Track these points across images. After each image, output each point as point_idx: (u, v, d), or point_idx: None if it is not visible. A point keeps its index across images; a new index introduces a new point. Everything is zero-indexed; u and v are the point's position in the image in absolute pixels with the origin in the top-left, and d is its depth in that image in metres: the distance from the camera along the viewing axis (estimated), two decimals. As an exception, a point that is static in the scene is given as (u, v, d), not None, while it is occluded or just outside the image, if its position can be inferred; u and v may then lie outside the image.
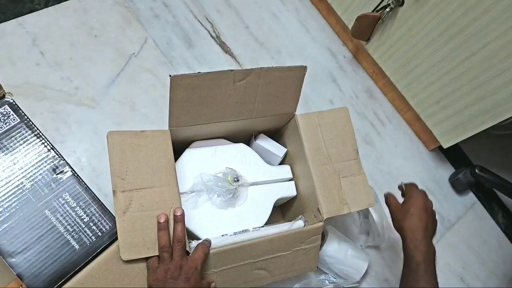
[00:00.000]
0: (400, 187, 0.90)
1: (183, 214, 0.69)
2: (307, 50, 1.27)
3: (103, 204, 0.74)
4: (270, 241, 0.76)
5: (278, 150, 0.94)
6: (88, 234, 0.71)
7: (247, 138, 0.97)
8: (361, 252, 0.96)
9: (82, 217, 0.71)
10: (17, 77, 0.93)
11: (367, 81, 1.30)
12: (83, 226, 0.71)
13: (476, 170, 1.21)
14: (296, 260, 0.80)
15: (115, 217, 0.66)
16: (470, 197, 1.27)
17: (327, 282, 0.93)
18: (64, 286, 0.64)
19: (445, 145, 1.18)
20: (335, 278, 0.93)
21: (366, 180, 0.86)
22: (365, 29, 1.17)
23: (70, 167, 0.74)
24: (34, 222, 0.69)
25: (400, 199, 0.86)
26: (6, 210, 0.68)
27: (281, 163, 0.96)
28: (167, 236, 0.66)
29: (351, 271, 0.93)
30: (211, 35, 1.17)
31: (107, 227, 0.73)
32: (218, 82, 0.76)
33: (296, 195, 0.90)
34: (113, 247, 0.66)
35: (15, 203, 0.69)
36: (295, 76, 0.83)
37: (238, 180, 0.81)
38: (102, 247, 0.71)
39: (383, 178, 1.18)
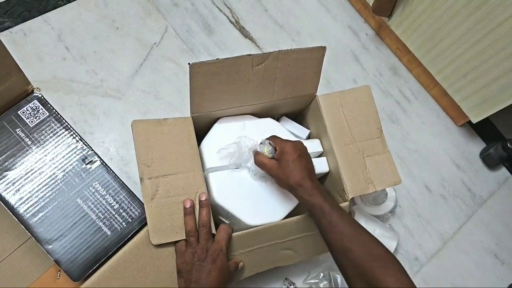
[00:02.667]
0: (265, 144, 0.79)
1: (207, 199, 0.71)
2: (327, 29, 1.26)
3: (132, 191, 0.76)
4: (295, 222, 0.77)
5: (301, 132, 0.94)
6: (118, 221, 0.73)
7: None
8: (390, 231, 0.95)
9: (112, 204, 0.74)
10: (45, 72, 0.97)
11: (391, 58, 1.27)
12: (114, 213, 0.74)
13: (508, 144, 1.17)
14: (321, 240, 0.81)
15: (143, 204, 0.69)
16: (503, 172, 1.24)
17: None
18: (98, 271, 0.66)
19: (474, 120, 1.15)
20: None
21: (391, 158, 0.85)
22: (386, 4, 1.14)
23: (99, 157, 0.77)
24: (68, 210, 0.72)
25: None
26: (41, 200, 0.71)
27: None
28: (193, 221, 0.68)
29: (379, 250, 0.93)
30: (230, 21, 1.17)
31: (136, 213, 0.75)
32: (237, 68, 0.76)
33: (328, 172, 0.86)
34: (142, 233, 0.69)
35: (49, 193, 0.72)
36: (314, 57, 0.83)
37: (274, 152, 0.74)
38: (133, 232, 0.74)
39: (411, 156, 1.16)
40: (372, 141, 0.86)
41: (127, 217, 0.74)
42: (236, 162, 0.77)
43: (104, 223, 0.72)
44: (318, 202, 0.66)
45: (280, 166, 0.71)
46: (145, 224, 0.70)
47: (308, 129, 0.94)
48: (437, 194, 1.13)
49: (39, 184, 0.72)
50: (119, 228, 0.73)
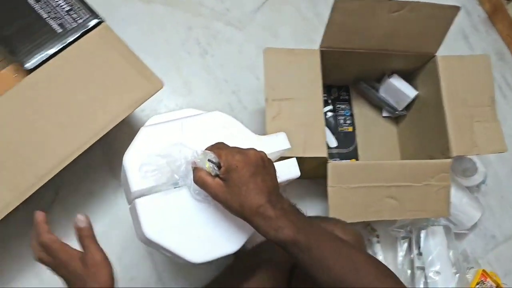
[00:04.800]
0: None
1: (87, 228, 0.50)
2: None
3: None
4: (401, 165, 0.81)
5: (410, 91, 0.97)
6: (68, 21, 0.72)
7: (377, 76, 1.01)
8: (476, 202, 0.98)
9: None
10: (178, -7, 1.04)
11: (499, 43, 1.27)
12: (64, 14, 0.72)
13: None
14: (426, 198, 0.83)
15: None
16: None
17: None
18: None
19: None
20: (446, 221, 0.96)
21: (500, 128, 0.87)
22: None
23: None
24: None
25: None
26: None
27: (409, 107, 0.99)
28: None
29: (463, 217, 0.95)
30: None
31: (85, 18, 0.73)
32: (374, 10, 0.80)
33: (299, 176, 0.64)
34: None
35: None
36: (446, 15, 0.85)
37: (219, 167, 0.51)
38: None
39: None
40: (483, 109, 0.88)
41: (78, 19, 0.73)
42: (170, 180, 0.55)
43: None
44: (289, 237, 0.48)
45: (228, 188, 0.50)
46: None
47: (417, 90, 0.97)
48: (524, 181, 1.13)
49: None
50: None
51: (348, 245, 0.52)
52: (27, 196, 0.63)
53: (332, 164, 0.78)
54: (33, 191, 0.63)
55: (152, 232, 0.52)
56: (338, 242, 0.52)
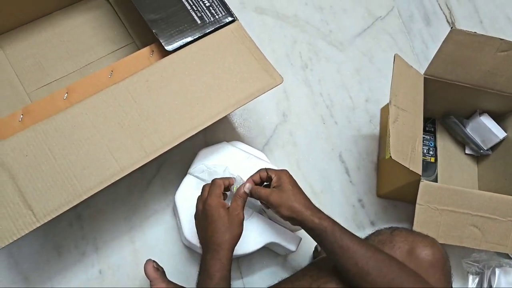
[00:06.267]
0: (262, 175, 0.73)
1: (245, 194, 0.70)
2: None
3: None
4: (490, 197, 0.83)
5: (499, 131, 0.99)
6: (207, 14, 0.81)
7: (467, 113, 1.05)
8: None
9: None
10: (290, 9, 1.13)
11: None
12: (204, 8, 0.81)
13: None
14: (509, 233, 0.84)
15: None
16: None
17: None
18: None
19: None
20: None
21: None
22: None
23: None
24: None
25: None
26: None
27: (494, 148, 1.01)
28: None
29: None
30: (447, 20, 1.25)
31: (221, 15, 0.82)
32: (484, 47, 0.85)
33: (293, 251, 0.82)
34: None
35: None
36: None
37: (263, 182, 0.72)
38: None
39: None
40: None
41: (215, 15, 0.82)
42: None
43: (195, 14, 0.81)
44: (328, 226, 0.62)
45: (281, 191, 0.66)
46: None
47: (506, 132, 0.99)
48: None
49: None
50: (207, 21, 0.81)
51: (370, 245, 0.62)
52: (140, 165, 0.69)
53: (424, 183, 0.81)
54: (146, 162, 0.69)
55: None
56: (361, 239, 0.63)
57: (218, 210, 0.64)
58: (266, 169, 0.71)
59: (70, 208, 0.63)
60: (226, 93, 0.77)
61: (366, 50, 1.14)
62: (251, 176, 0.70)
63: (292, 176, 0.70)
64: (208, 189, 0.68)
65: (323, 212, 0.65)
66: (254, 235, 0.78)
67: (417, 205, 0.81)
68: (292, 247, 0.80)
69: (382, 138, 1.04)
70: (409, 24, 1.21)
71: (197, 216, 0.70)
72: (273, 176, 0.69)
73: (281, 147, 0.99)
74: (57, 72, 0.93)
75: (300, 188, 0.69)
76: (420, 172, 0.80)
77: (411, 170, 0.79)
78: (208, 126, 0.73)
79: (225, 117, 0.86)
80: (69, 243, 0.84)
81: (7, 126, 0.73)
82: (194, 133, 0.72)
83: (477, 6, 1.29)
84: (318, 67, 1.09)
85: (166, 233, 0.88)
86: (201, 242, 0.69)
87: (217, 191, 0.67)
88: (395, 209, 0.99)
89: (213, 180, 0.69)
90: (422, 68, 0.96)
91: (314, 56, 1.10)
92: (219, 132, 0.97)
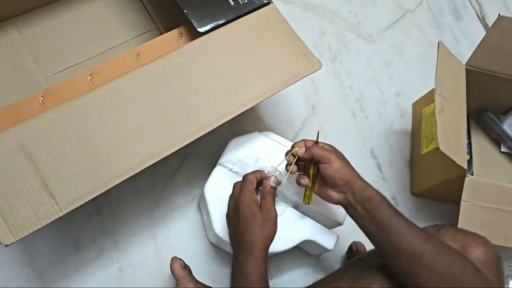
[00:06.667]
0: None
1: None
2: None
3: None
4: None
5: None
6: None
7: (504, 109, 1.00)
8: None
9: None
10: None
11: None
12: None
13: None
14: None
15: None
16: None
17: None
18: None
19: None
20: None
21: None
22: None
23: None
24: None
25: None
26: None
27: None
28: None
29: None
30: (477, 15, 1.21)
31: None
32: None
33: (330, 250, 0.74)
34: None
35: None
36: None
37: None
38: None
39: None
40: None
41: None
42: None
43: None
44: (386, 199, 0.59)
45: (337, 156, 0.61)
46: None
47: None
48: None
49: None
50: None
51: (424, 230, 0.57)
52: (171, 152, 0.63)
53: (470, 179, 0.76)
54: (178, 148, 0.63)
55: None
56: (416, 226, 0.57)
57: (251, 207, 0.60)
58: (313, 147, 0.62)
59: (90, 201, 0.57)
60: (262, 78, 0.71)
61: (396, 43, 1.09)
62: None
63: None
64: (240, 186, 0.63)
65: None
66: (288, 232, 0.73)
67: (462, 202, 0.76)
68: (329, 245, 0.74)
69: (415, 134, 0.98)
70: (439, 18, 1.16)
71: (228, 215, 0.65)
72: (324, 145, 0.65)
73: (311, 141, 0.94)
74: (75, 57, 0.87)
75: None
76: (466, 167, 0.75)
77: (456, 165, 0.73)
78: (234, 117, 0.67)
79: (252, 108, 0.80)
80: (87, 238, 0.78)
81: (26, 109, 0.68)
82: (229, 119, 0.67)
83: (507, 1, 1.25)
84: (347, 59, 1.04)
85: (190, 229, 0.82)
86: (232, 243, 0.64)
87: (249, 187, 0.62)
88: (430, 208, 0.94)
89: (245, 176, 0.64)
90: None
91: (343, 47, 1.05)
92: (245, 124, 0.92)
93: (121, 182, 0.59)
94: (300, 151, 0.63)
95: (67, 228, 0.78)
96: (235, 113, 0.68)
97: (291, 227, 0.73)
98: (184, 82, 0.68)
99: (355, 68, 1.04)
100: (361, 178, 0.61)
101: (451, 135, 0.75)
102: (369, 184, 0.61)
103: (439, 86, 0.76)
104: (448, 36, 1.14)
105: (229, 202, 0.65)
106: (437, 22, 1.15)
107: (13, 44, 0.86)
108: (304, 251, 0.84)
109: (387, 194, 0.93)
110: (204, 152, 0.87)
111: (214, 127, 0.66)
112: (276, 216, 0.61)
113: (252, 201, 0.60)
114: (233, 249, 0.63)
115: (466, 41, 1.15)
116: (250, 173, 0.64)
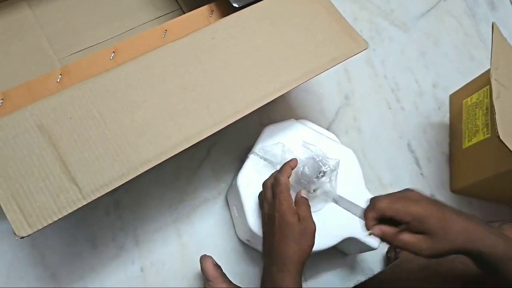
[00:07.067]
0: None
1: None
2: None
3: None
4: None
5: None
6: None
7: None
8: None
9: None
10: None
11: None
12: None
13: None
14: None
15: None
16: None
17: None
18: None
19: None
20: None
21: None
22: None
23: None
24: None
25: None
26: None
27: None
28: None
29: None
30: (512, 6, 1.15)
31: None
32: None
33: (375, 249, 0.68)
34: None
35: None
36: None
37: (322, 175, 0.62)
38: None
39: None
40: None
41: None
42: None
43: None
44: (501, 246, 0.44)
45: (432, 235, 0.45)
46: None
47: None
48: None
49: None
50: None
51: None
52: (207, 135, 0.56)
53: (530, 172, 0.69)
54: (215, 131, 0.56)
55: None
56: None
57: (288, 218, 0.54)
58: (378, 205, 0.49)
59: (107, 193, 0.50)
60: (305, 57, 0.64)
61: (430, 32, 1.03)
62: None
63: (422, 192, 0.48)
64: (273, 189, 0.57)
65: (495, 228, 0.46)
66: (329, 229, 0.65)
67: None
68: (374, 244, 0.67)
69: (455, 127, 0.92)
70: (474, 8, 1.10)
71: (263, 220, 0.59)
72: (404, 218, 0.46)
73: (345, 132, 0.87)
74: (92, 38, 0.80)
75: (445, 205, 0.47)
76: (527, 159, 0.68)
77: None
78: (262, 106, 0.60)
79: (282, 96, 0.73)
80: (104, 234, 0.71)
81: (42, 87, 0.60)
82: (271, 100, 0.60)
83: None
84: (381, 47, 0.98)
85: (217, 226, 0.75)
86: (264, 251, 0.57)
87: (285, 194, 0.56)
88: (470, 207, 0.87)
89: (277, 179, 0.57)
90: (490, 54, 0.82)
91: (377, 35, 0.99)
92: (275, 113, 0.85)
93: (142, 173, 0.52)
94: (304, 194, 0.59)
95: (81, 223, 0.71)
96: (278, 94, 0.61)
97: (332, 224, 0.66)
98: (219, 60, 0.61)
99: (389, 57, 0.97)
100: (483, 232, 0.45)
101: (510, 123, 0.68)
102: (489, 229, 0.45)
103: (494, 70, 0.70)
104: (484, 26, 1.08)
105: (263, 204, 0.60)
106: (472, 11, 1.09)
107: (25, 22, 0.79)
108: (339, 251, 0.77)
109: (426, 191, 0.87)
110: (231, 143, 0.80)
111: (255, 108, 0.59)
112: (315, 229, 0.55)
113: (290, 212, 0.55)
114: (264, 258, 0.56)
115: (503, 32, 1.08)
116: (281, 173, 0.58)
